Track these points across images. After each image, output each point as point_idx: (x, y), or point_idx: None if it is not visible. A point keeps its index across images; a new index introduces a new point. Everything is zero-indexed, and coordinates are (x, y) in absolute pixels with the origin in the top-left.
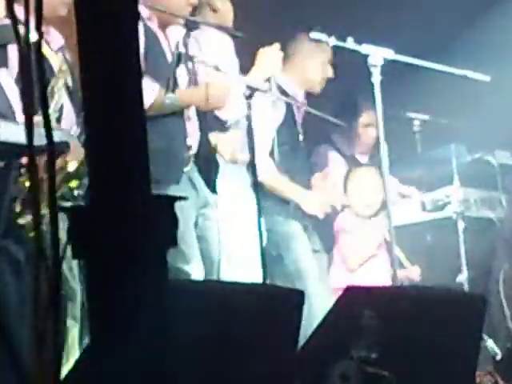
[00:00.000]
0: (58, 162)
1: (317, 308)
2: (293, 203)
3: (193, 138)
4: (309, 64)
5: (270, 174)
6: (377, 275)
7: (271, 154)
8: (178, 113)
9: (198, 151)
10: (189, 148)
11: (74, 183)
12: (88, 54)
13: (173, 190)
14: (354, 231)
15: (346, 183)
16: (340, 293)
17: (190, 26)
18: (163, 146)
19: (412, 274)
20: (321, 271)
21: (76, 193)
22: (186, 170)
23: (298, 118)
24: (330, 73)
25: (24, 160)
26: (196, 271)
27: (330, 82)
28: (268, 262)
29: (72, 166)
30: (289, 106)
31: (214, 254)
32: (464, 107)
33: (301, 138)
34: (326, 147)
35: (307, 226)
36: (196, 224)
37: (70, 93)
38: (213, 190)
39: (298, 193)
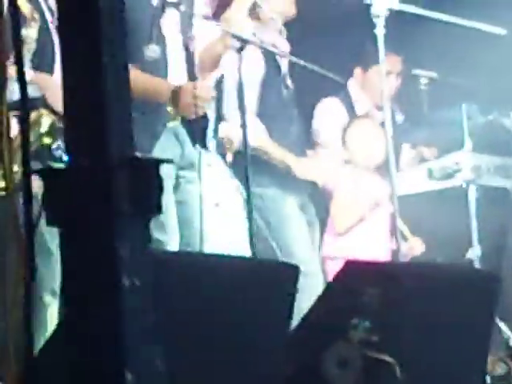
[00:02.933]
0: (32, 116)
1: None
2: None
3: None
4: None
5: (259, 137)
6: (368, 243)
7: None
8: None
9: None
10: None
11: (47, 140)
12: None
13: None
14: (348, 189)
15: (345, 135)
16: (328, 262)
17: None
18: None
19: (413, 246)
20: (313, 249)
21: (55, 148)
22: (170, 125)
23: (284, 70)
24: None
25: None
26: (173, 242)
27: (332, 35)
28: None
29: (46, 122)
30: (269, 56)
31: (195, 222)
32: (477, 64)
33: (288, 94)
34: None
35: (305, 204)
36: (176, 187)
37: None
38: (203, 146)
39: (290, 157)
